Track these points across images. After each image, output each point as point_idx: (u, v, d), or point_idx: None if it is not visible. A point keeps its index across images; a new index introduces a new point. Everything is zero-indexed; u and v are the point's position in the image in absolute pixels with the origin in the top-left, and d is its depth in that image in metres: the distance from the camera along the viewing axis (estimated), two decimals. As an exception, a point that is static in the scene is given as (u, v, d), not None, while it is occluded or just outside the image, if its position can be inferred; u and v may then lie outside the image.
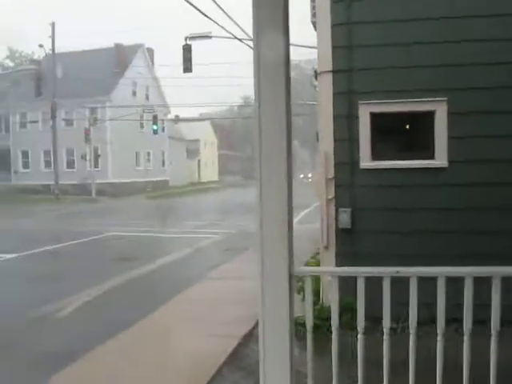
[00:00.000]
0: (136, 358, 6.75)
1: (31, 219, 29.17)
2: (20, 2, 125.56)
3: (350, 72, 7.45)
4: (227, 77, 57.99)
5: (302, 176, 70.82)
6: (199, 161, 74.10)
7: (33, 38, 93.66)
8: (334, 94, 7.50)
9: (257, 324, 7.61)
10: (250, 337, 7.23)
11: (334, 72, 7.48)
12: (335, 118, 7.46)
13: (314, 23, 10.68)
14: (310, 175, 68.13)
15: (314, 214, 26.81)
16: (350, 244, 7.40)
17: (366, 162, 7.43)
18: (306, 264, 8.50)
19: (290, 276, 2.99)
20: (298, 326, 7.05)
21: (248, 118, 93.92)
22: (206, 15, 15.70)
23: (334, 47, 7.45)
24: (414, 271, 3.24)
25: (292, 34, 2.83)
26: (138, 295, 10.33)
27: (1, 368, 6.57)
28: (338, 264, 7.18)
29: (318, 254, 9.96)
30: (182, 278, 11.57)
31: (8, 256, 15.90)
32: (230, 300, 9.26)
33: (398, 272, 3.22)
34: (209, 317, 8.29)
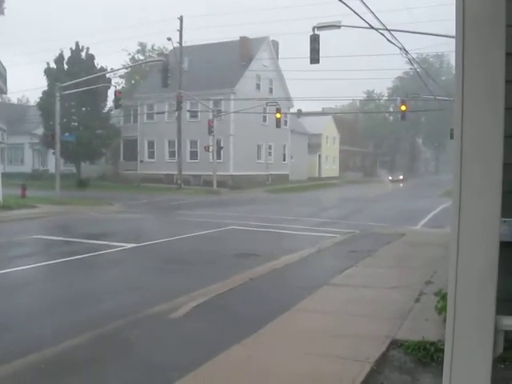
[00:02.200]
0: (246, 379, 5.97)
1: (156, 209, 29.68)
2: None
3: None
4: (351, 70, 56.64)
5: (390, 178, 69.04)
6: (320, 156, 73.17)
7: (164, 32, 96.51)
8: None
9: (391, 344, 6.70)
10: (384, 361, 6.26)
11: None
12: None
13: None
14: (401, 177, 68.66)
15: (441, 217, 25.41)
16: (510, 261, 6.27)
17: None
18: (440, 290, 7.18)
19: (496, 331, 2.09)
20: (438, 351, 6.11)
21: (370, 113, 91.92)
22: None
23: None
24: None
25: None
26: (258, 298, 9.67)
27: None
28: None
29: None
30: (304, 283, 10.78)
31: (129, 246, 15.94)
32: (356, 312, 8.34)
33: None
34: (333, 333, 7.41)
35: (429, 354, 6.11)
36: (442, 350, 2.82)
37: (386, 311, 8.28)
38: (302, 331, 7.49)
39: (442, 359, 2.27)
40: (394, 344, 6.62)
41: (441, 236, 18.44)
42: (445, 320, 2.99)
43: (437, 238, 17.33)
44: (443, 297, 6.69)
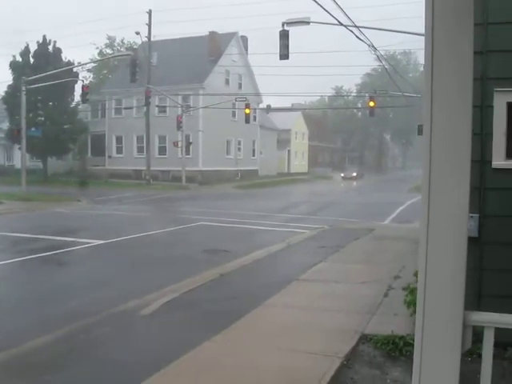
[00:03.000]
0: (216, 376, 5.94)
1: (124, 205, 29.45)
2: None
3: (485, 54, 6.38)
4: (319, 66, 56.95)
5: (342, 175, 66.00)
6: (289, 151, 73.35)
7: (133, 26, 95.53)
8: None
9: (361, 339, 6.76)
10: (354, 356, 6.30)
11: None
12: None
13: None
14: (354, 174, 65.53)
15: (410, 212, 25.69)
16: (476, 256, 6.35)
17: (499, 160, 6.33)
18: (409, 285, 7.27)
19: (464, 326, 2.11)
20: (407, 345, 6.18)
21: (339, 109, 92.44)
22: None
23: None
24: None
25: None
26: (228, 294, 9.66)
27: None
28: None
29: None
30: (274, 278, 10.80)
31: (97, 242, 15.78)
32: (326, 307, 8.39)
33: None
34: (303, 328, 7.44)
35: (398, 348, 6.17)
36: (411, 344, 2.85)
37: (356, 306, 8.35)
38: (272, 327, 7.52)
39: (411, 353, 2.29)
40: (364, 338, 6.68)
41: (408, 230, 18.69)
42: (412, 314, 3.01)
43: (404, 233, 17.55)
44: (411, 291, 6.77)
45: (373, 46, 23.16)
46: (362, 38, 20.47)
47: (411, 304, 6.49)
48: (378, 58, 33.88)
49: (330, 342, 6.67)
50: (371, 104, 37.66)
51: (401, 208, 27.66)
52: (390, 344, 6.26)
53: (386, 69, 43.54)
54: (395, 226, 20.48)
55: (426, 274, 2.08)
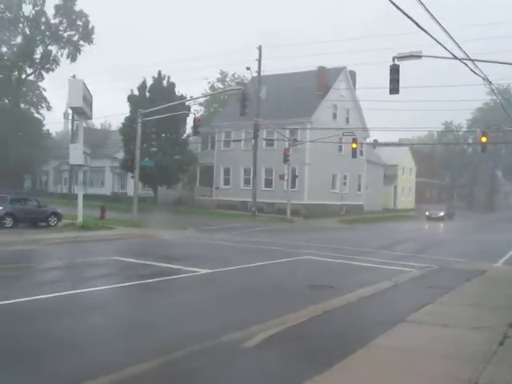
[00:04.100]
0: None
1: (230, 236, 29.86)
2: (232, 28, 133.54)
3: None
4: (428, 100, 55.61)
5: (427, 213, 56.81)
6: (396, 187, 71.99)
7: (244, 62, 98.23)
8: None
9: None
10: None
11: None
12: None
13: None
14: (441, 213, 56.07)
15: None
16: None
17: None
18: None
19: None
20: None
21: (448, 144, 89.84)
22: (423, 29, 14.43)
23: None
24: None
25: None
26: (332, 332, 9.45)
27: None
28: None
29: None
30: (380, 318, 10.46)
31: (203, 271, 16.03)
32: (435, 352, 7.97)
33: None
34: (410, 374, 7.07)
35: (516, 403, 5.74)
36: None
37: (467, 353, 7.88)
38: (377, 371, 7.22)
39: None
40: (478, 389, 6.27)
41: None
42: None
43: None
44: (531, 341, 6.31)
45: (487, 80, 22.33)
46: (476, 71, 19.79)
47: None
48: (493, 92, 32.57)
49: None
50: (483, 139, 36.15)
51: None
52: (507, 397, 5.84)
53: (500, 103, 41.82)
54: (508, 269, 19.39)
55: None
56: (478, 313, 10.93)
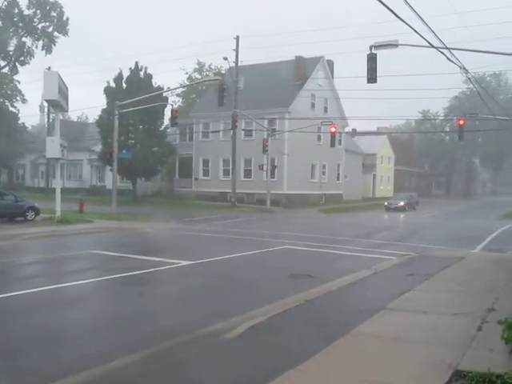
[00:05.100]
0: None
1: (210, 227, 29.83)
2: (202, 18, 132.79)
3: None
4: (405, 89, 55.82)
5: (386, 204, 52.62)
6: (374, 175, 72.36)
7: (221, 52, 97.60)
8: None
9: (453, 376, 6.41)
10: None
11: None
12: None
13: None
14: (401, 203, 51.98)
15: (501, 240, 24.64)
16: None
17: None
18: (506, 319, 6.80)
19: None
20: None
21: (426, 133, 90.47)
22: (400, 18, 14.45)
23: None
24: None
25: None
26: (313, 321, 9.50)
27: None
28: None
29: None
30: (361, 306, 10.54)
31: (184, 263, 16.01)
32: (415, 339, 8.05)
33: None
34: (391, 360, 7.14)
35: (495, 387, 5.82)
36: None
37: (447, 339, 7.98)
38: (358, 358, 7.29)
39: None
40: (457, 375, 6.34)
41: (501, 260, 17.90)
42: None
43: (496, 262, 16.84)
44: (509, 326, 6.40)
45: (464, 68, 22.51)
46: (453, 59, 19.89)
47: (510, 340, 6.13)
48: (470, 80, 32.78)
49: (421, 376, 6.39)
50: (461, 122, 36.36)
51: (492, 236, 26.62)
52: (487, 382, 5.91)
53: (477, 91, 42.18)
54: (486, 255, 19.62)
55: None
56: (456, 299, 11.06)
